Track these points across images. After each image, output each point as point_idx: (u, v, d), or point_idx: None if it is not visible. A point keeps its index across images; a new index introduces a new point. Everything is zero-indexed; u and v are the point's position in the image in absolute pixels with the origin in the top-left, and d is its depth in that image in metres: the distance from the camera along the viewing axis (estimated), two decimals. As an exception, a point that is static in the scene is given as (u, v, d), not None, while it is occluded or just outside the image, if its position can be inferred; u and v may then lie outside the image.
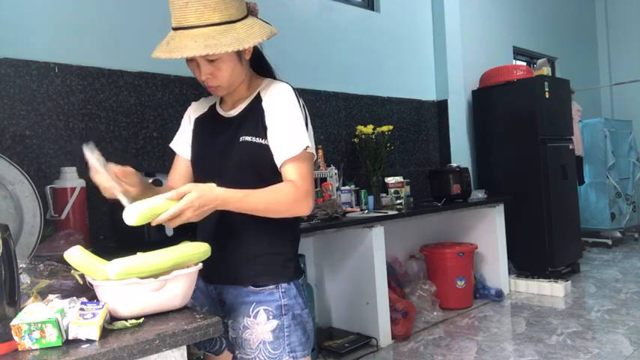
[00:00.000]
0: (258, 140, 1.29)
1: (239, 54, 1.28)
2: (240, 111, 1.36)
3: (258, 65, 1.42)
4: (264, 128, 1.29)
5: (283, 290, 1.31)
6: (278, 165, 1.28)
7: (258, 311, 1.30)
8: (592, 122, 6.32)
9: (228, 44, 1.19)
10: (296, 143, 1.26)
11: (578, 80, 6.45)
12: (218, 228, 1.34)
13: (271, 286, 1.31)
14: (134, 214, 1.06)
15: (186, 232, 1.45)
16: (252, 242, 1.32)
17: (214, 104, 1.46)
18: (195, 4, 1.18)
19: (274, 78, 1.41)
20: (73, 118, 2.53)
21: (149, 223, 1.09)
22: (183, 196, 1.08)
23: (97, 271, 1.07)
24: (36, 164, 2.38)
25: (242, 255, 1.33)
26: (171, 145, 1.52)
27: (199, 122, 1.46)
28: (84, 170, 2.45)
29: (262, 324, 1.29)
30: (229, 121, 1.37)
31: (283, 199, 1.22)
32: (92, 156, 1.18)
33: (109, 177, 1.17)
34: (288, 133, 1.27)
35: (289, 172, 1.26)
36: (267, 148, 1.29)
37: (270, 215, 1.23)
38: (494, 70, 5.05)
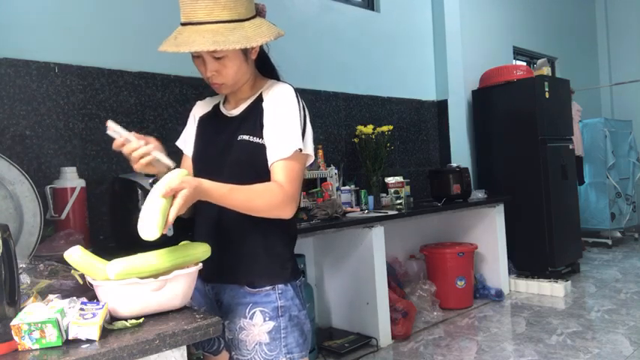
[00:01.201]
0: (256, 139, 1.29)
1: (245, 53, 1.29)
2: (241, 110, 1.37)
3: (263, 66, 1.42)
4: (262, 128, 1.30)
5: (280, 292, 1.31)
6: (269, 164, 1.28)
7: (255, 312, 1.30)
8: (592, 122, 6.32)
9: (237, 42, 1.19)
10: (288, 145, 1.25)
11: (578, 80, 6.45)
12: (215, 228, 1.34)
13: (268, 288, 1.31)
14: (154, 230, 1.02)
15: (186, 232, 1.45)
16: (249, 242, 1.32)
17: (218, 103, 1.46)
18: (205, 0, 1.19)
19: (278, 79, 1.42)
20: (73, 118, 2.53)
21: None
22: (176, 192, 1.06)
23: (97, 271, 1.07)
24: (36, 164, 2.38)
25: (239, 255, 1.33)
26: (177, 143, 1.53)
27: (203, 121, 1.47)
28: (84, 170, 2.47)
29: (258, 325, 1.29)
30: (231, 120, 1.38)
31: (267, 199, 1.21)
32: (118, 127, 1.17)
33: (139, 142, 1.19)
34: (281, 133, 1.27)
35: (277, 173, 1.25)
36: (264, 147, 1.29)
37: (249, 213, 1.22)
38: (494, 70, 5.05)
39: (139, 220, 1.04)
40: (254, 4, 1.30)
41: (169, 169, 1.20)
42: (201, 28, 1.19)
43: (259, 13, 1.32)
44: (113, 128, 1.18)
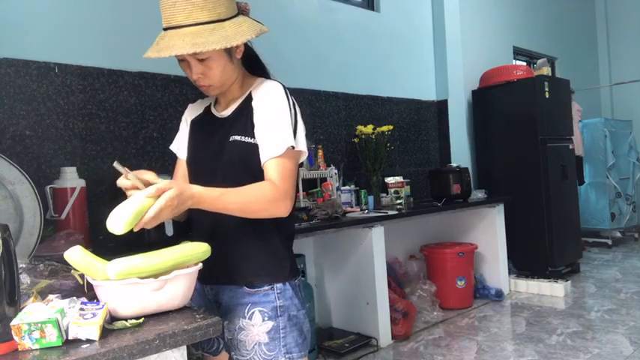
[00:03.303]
0: (248, 139, 1.29)
1: (229, 53, 1.28)
2: (232, 111, 1.37)
3: (252, 65, 1.42)
4: (253, 127, 1.30)
5: (279, 291, 1.31)
6: (262, 163, 1.27)
7: (253, 312, 1.30)
8: (592, 122, 6.32)
9: (216, 42, 1.19)
10: (279, 142, 1.25)
11: (578, 80, 6.45)
12: (212, 228, 1.34)
13: (266, 287, 1.31)
14: (121, 225, 1.01)
15: (186, 232, 1.45)
16: (246, 242, 1.32)
17: (209, 105, 1.46)
18: (183, 3, 1.18)
19: (268, 77, 1.41)
20: (73, 118, 2.53)
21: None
22: (162, 193, 1.05)
23: (97, 271, 1.07)
24: (36, 164, 2.38)
25: (236, 255, 1.33)
26: (171, 147, 1.53)
27: (194, 124, 1.47)
28: (84, 170, 2.47)
29: (257, 325, 1.29)
30: (222, 122, 1.37)
31: (261, 198, 1.20)
32: (125, 171, 1.12)
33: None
34: (272, 131, 1.26)
35: (270, 171, 1.25)
36: (256, 146, 1.28)
37: (246, 215, 1.21)
38: (494, 70, 5.05)
39: (112, 212, 1.03)
40: (235, 2, 1.29)
41: None
42: (181, 32, 1.19)
43: (242, 11, 1.31)
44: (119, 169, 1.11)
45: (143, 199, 1.04)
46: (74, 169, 2.33)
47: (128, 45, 2.71)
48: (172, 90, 2.90)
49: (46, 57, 2.45)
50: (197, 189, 1.12)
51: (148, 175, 1.12)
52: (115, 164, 1.10)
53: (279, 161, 1.25)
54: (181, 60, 1.26)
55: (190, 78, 1.30)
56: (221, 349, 1.40)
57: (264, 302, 1.30)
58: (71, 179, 2.28)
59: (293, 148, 1.26)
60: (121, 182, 1.12)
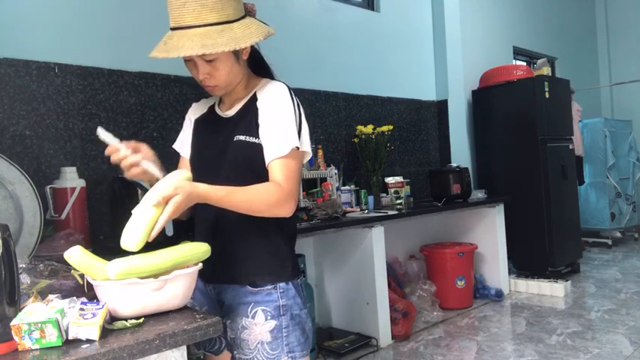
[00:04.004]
0: (252, 139, 1.29)
1: (236, 54, 1.28)
2: (237, 111, 1.37)
3: (256, 65, 1.42)
4: (258, 127, 1.30)
5: (282, 290, 1.31)
6: (266, 164, 1.28)
7: (256, 312, 1.30)
8: (592, 122, 6.32)
9: (225, 44, 1.19)
10: (284, 143, 1.26)
11: (578, 80, 6.45)
12: (214, 228, 1.34)
13: (269, 287, 1.31)
14: (135, 243, 1.06)
15: (187, 232, 1.45)
16: (249, 242, 1.33)
17: (213, 105, 1.46)
18: (192, 4, 1.18)
19: (272, 78, 1.42)
20: (73, 118, 2.53)
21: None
22: (168, 199, 1.07)
23: (97, 271, 1.07)
24: (36, 164, 2.38)
25: (239, 254, 1.33)
26: (174, 146, 1.53)
27: (198, 123, 1.47)
28: (84, 170, 2.47)
29: (260, 324, 1.29)
30: (226, 121, 1.38)
31: (266, 199, 1.21)
32: (108, 135, 1.19)
33: (126, 151, 1.19)
34: (277, 132, 1.27)
35: (275, 171, 1.26)
36: (260, 147, 1.29)
37: (250, 214, 1.23)
38: (494, 70, 5.05)
39: (124, 230, 1.07)
40: (242, 4, 1.30)
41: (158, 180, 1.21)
42: (190, 32, 1.19)
43: (249, 12, 1.32)
44: (102, 136, 1.19)
45: (152, 210, 1.07)
46: (74, 169, 2.34)
47: (128, 45, 2.71)
48: (172, 90, 2.90)
49: (46, 57, 2.45)
50: (203, 188, 1.13)
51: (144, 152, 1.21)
52: (100, 132, 1.17)
53: (283, 162, 1.25)
54: (188, 60, 1.27)
55: (196, 78, 1.30)
56: (223, 349, 1.40)
57: (267, 301, 1.30)
58: (71, 179, 2.29)
59: (298, 148, 1.27)
60: (115, 156, 1.19)
